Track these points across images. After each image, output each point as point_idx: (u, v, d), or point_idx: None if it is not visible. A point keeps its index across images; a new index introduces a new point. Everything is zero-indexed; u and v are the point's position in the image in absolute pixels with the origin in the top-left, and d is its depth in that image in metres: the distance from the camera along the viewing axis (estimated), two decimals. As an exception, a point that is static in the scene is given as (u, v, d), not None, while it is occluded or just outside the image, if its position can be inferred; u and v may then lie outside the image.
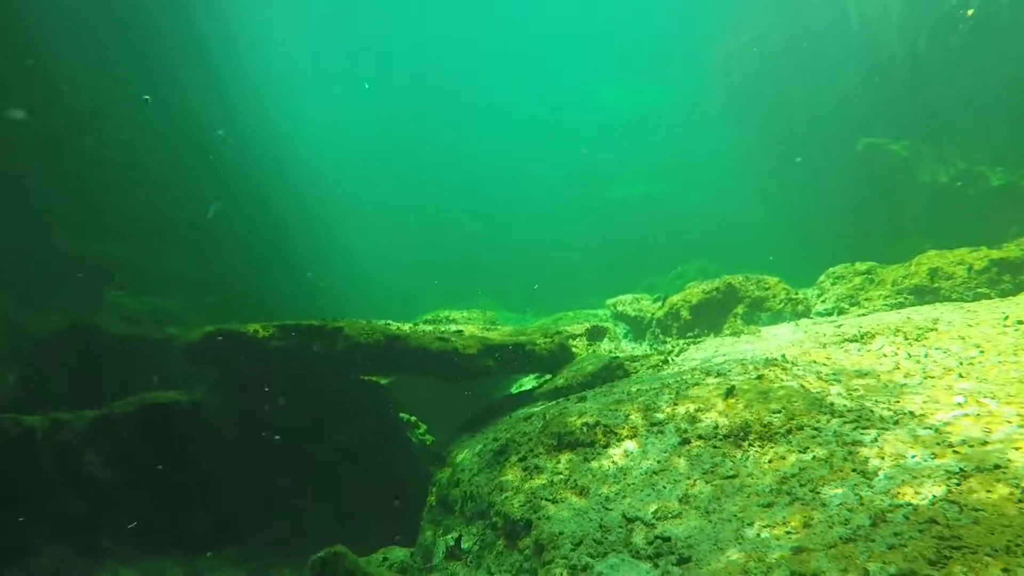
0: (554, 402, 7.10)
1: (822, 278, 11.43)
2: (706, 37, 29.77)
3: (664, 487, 5.01)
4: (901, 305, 9.14)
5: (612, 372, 7.84)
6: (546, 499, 5.36)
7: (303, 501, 9.75)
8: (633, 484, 5.18)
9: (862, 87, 20.53)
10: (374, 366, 8.55)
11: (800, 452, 4.87)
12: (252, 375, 9.10)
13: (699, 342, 9.84)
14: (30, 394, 11.34)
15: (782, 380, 5.99)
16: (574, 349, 9.73)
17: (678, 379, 6.67)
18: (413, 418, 12.42)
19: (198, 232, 19.45)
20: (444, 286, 36.72)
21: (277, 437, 8.85)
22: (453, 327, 9.95)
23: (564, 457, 5.86)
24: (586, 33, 51.62)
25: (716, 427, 5.40)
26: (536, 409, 7.30)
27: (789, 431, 5.12)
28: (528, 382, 12.94)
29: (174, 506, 9.17)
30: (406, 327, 9.98)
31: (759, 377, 6.08)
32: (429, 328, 9.57)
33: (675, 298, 10.31)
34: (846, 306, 9.77)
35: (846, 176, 19.60)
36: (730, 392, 5.72)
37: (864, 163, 18.95)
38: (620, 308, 12.31)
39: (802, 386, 5.82)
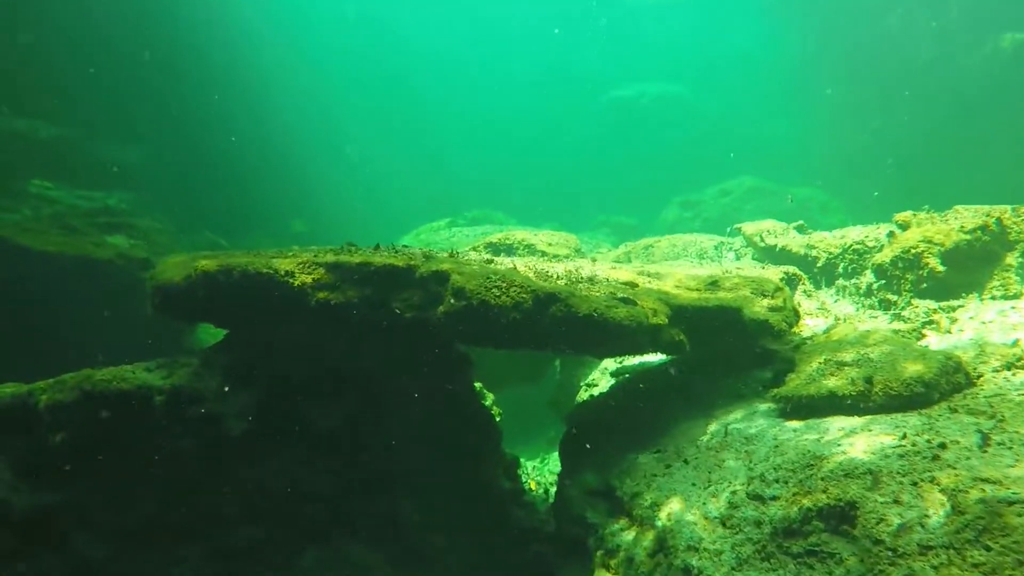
0: (903, 442, 3.63)
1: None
2: None
3: None
4: None
5: (951, 379, 4.43)
6: None
7: (347, 530, 6.31)
8: None
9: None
10: (501, 341, 4.91)
11: None
12: (280, 346, 5.38)
13: (957, 307, 6.47)
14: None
15: None
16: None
17: None
18: (478, 384, 8.95)
19: (154, 109, 14.96)
20: (432, 196, 32.64)
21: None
22: (573, 267, 6.37)
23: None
24: None
25: None
26: (856, 458, 3.84)
27: None
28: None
29: (143, 542, 5.62)
30: (464, 257, 6.41)
31: None
32: (553, 267, 5.95)
33: (911, 237, 6.83)
34: None
35: (967, 82, 15.82)
36: None
37: (1008, 65, 15.17)
38: (771, 241, 8.76)
39: None
